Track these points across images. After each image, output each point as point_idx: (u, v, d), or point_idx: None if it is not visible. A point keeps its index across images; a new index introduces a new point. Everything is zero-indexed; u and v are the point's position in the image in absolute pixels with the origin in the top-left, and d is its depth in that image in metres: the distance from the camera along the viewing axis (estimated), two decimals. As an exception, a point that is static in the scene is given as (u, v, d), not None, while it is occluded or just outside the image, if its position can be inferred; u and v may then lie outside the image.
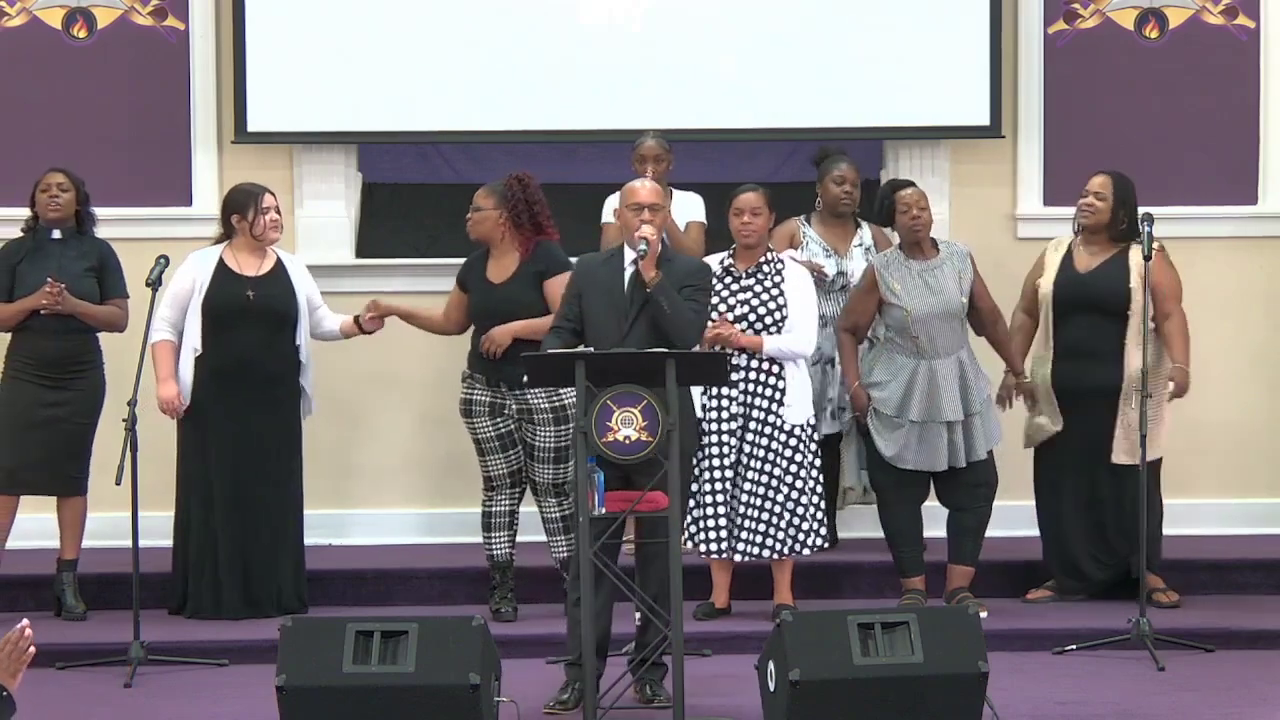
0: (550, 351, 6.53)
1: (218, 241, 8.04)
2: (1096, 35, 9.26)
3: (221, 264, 7.92)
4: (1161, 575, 8.04)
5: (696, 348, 7.41)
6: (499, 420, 7.81)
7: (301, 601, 8.03)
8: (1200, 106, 9.25)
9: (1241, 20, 9.26)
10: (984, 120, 9.16)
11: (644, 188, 6.87)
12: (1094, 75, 9.23)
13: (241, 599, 7.93)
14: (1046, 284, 8.03)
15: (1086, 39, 9.25)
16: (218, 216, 8.13)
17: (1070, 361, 7.96)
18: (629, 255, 6.81)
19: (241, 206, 7.96)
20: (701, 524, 7.70)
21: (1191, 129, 9.24)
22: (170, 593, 8.01)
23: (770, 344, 7.69)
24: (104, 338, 8.07)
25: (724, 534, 7.69)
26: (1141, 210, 7.82)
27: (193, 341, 7.87)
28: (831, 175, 8.50)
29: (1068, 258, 8.03)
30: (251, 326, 7.90)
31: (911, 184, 8.05)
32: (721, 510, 7.68)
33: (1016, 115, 9.23)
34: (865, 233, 8.50)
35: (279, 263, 8.05)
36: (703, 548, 7.71)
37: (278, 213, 8.00)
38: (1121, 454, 7.92)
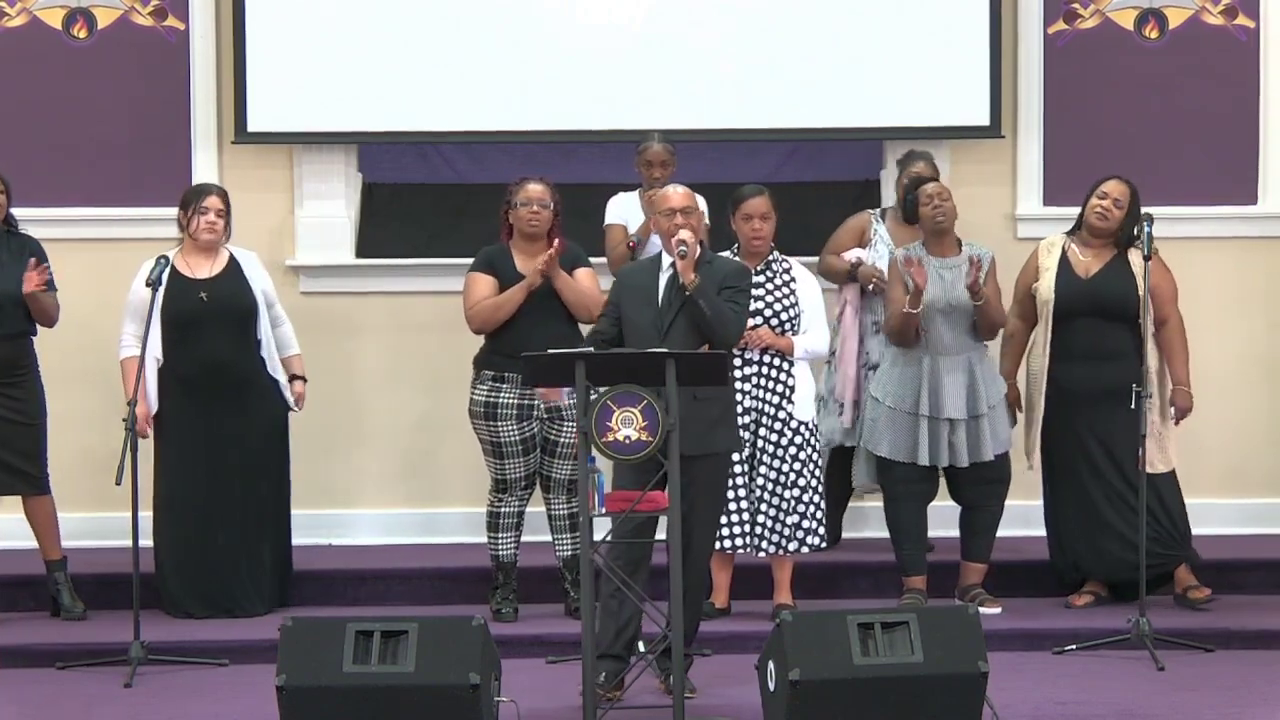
0: (551, 351, 6.52)
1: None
2: (1096, 35, 9.25)
3: (174, 269, 7.83)
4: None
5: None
6: (525, 424, 7.74)
7: (283, 599, 8.03)
8: (1200, 106, 9.24)
9: (1241, 20, 9.25)
10: (984, 120, 9.15)
11: (676, 193, 6.91)
12: (1094, 75, 9.23)
13: (218, 599, 7.93)
14: (1046, 288, 7.97)
15: (1086, 39, 9.25)
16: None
17: (1076, 364, 7.91)
18: (666, 260, 6.84)
19: (185, 204, 7.94)
20: (724, 520, 7.67)
21: (1191, 129, 9.24)
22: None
23: (799, 345, 7.72)
24: (37, 342, 7.95)
25: (746, 528, 7.68)
26: (1142, 210, 7.83)
27: (154, 350, 7.79)
28: (908, 172, 8.44)
29: (1064, 261, 7.97)
30: (210, 329, 7.85)
31: (934, 179, 8.07)
32: (744, 505, 7.68)
33: (1016, 115, 9.22)
34: None
35: (232, 261, 7.99)
36: (727, 544, 7.66)
37: (217, 215, 7.90)
38: (1158, 463, 7.91)
